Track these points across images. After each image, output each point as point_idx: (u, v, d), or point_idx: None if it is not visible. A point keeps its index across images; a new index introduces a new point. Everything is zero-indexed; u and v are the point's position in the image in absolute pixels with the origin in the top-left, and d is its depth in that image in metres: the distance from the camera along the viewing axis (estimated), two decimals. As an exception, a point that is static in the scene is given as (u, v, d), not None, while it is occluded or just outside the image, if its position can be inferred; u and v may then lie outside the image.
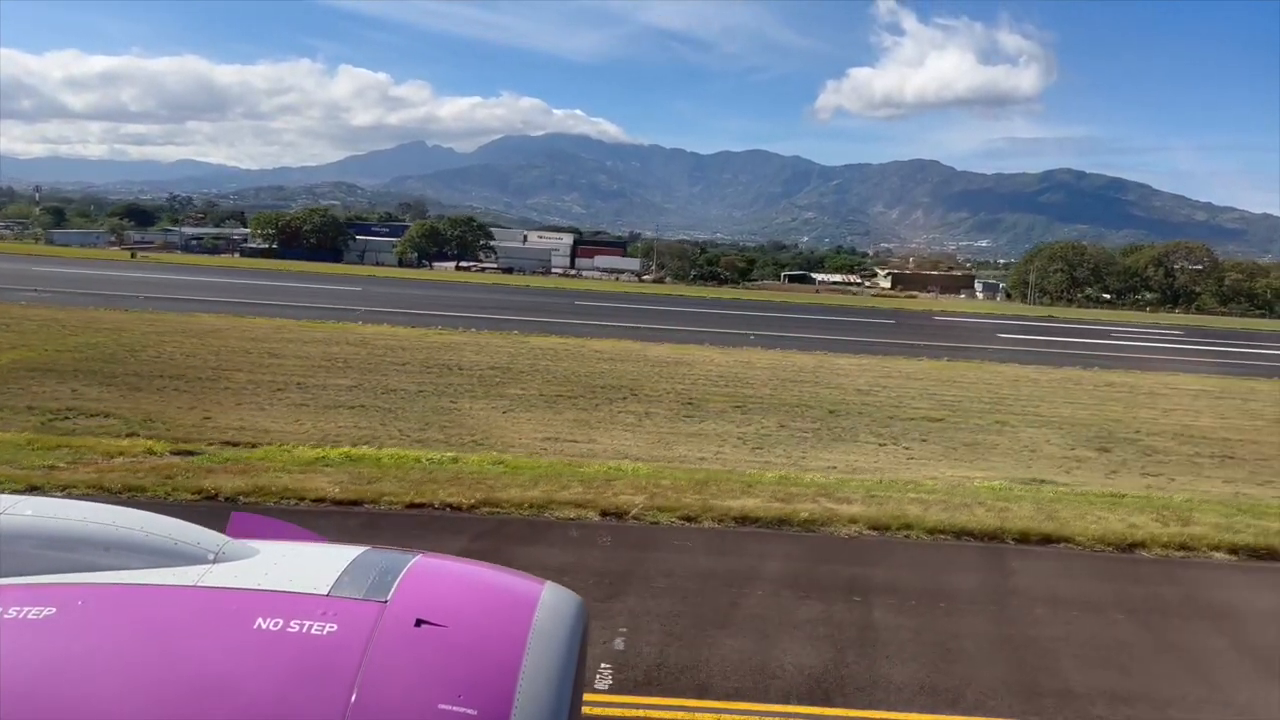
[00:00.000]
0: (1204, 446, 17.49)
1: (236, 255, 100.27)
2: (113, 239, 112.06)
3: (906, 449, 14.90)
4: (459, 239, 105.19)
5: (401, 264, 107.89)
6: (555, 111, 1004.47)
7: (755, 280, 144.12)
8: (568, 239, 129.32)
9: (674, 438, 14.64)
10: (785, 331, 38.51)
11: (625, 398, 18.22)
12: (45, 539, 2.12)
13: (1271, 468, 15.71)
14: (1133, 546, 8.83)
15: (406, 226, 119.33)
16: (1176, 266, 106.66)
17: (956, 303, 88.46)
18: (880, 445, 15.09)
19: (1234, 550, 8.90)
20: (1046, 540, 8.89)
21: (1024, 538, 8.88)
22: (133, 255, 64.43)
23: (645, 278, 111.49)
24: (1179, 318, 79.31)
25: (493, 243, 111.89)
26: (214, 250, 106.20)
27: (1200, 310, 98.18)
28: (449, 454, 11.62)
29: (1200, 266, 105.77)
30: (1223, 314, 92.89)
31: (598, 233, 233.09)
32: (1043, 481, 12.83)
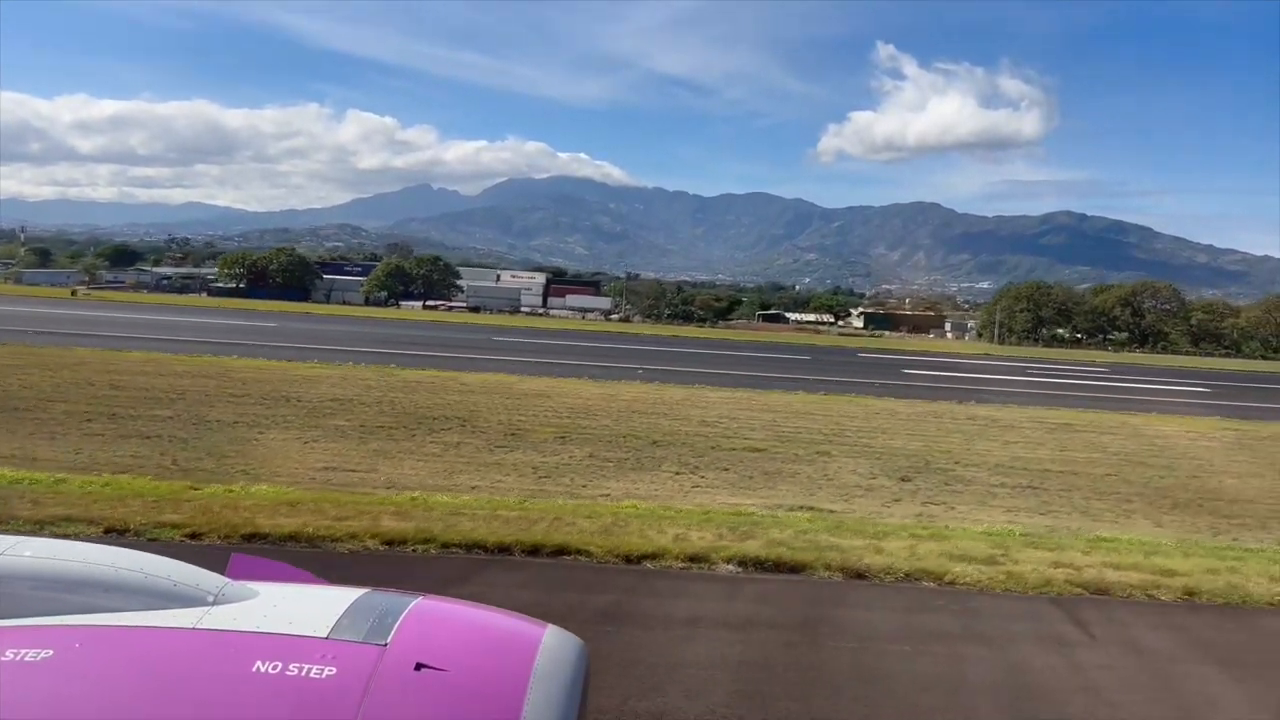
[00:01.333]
0: (1016, 477, 16.99)
1: (203, 294, 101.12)
2: (85, 278, 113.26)
3: (701, 477, 14.48)
4: (425, 278, 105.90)
5: (368, 303, 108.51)
6: (560, 155, 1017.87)
7: (732, 320, 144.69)
8: (540, 278, 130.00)
9: (467, 467, 14.20)
10: (692, 366, 38.16)
11: (451, 429, 17.73)
12: (44, 580, 2.10)
13: (1069, 499, 15.28)
14: (642, 558, 8.54)
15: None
16: (1145, 306, 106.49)
17: (909, 341, 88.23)
18: (676, 474, 14.66)
19: (743, 562, 8.54)
20: (561, 551, 8.55)
21: (536, 549, 8.53)
22: (73, 294, 64.90)
23: (613, 316, 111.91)
24: (1128, 356, 78.87)
25: (461, 281, 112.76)
26: (182, 290, 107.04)
27: (1168, 350, 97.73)
28: (186, 484, 11.31)
29: (1169, 306, 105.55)
30: (1189, 354, 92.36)
31: (597, 274, 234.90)
32: (808, 508, 12.39)
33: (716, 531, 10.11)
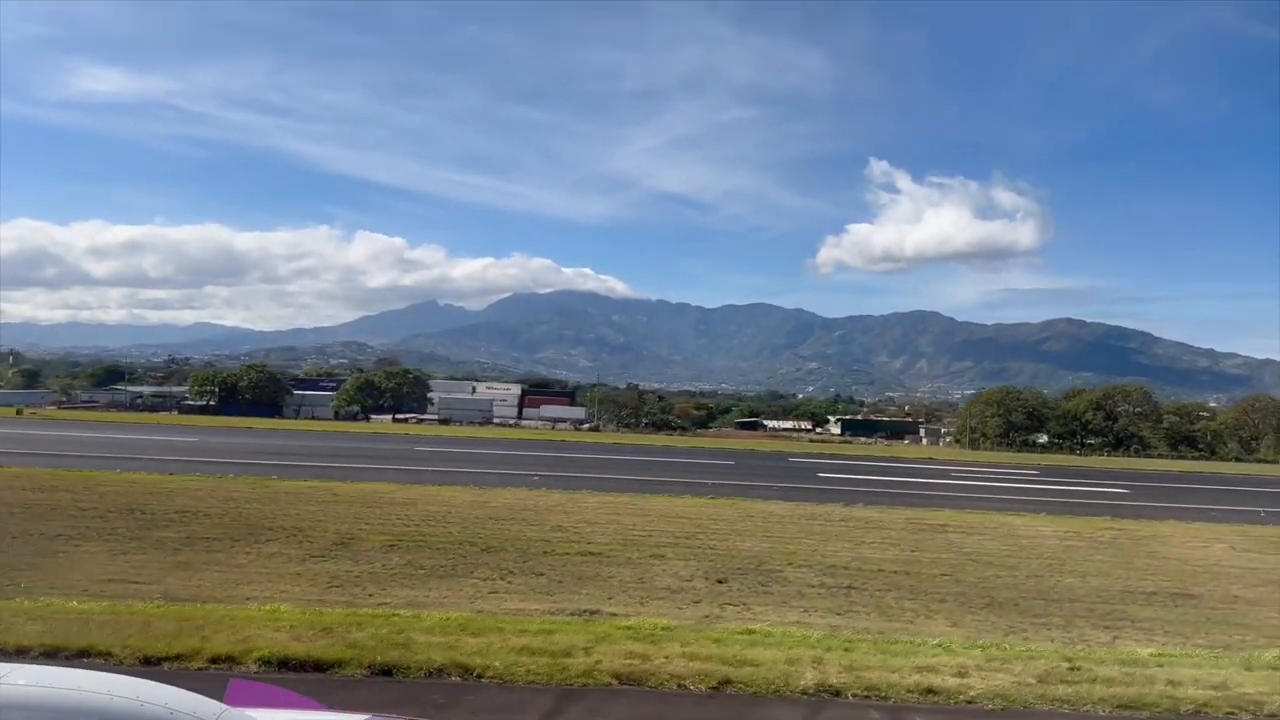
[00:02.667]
0: (842, 578, 16.38)
1: (174, 412, 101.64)
2: (62, 399, 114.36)
3: (508, 583, 14.31)
4: (394, 390, 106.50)
5: (338, 417, 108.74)
6: (564, 270, 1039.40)
7: (710, 427, 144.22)
8: (516, 389, 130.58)
9: (263, 578, 14.04)
10: (600, 472, 37.67)
11: (277, 539, 17.50)
12: (42, 709, 2.05)
13: (879, 600, 14.66)
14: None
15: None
16: (1118, 410, 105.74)
17: (869, 447, 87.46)
18: (485, 580, 14.49)
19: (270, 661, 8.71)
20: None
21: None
22: (19, 413, 65.59)
23: (584, 426, 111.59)
24: (1078, 459, 77.26)
25: (432, 394, 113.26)
26: (154, 408, 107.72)
27: (1142, 453, 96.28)
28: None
29: (1141, 409, 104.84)
30: (1163, 457, 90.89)
31: (595, 385, 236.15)
32: (590, 612, 12.35)
33: (295, 632, 9.91)
